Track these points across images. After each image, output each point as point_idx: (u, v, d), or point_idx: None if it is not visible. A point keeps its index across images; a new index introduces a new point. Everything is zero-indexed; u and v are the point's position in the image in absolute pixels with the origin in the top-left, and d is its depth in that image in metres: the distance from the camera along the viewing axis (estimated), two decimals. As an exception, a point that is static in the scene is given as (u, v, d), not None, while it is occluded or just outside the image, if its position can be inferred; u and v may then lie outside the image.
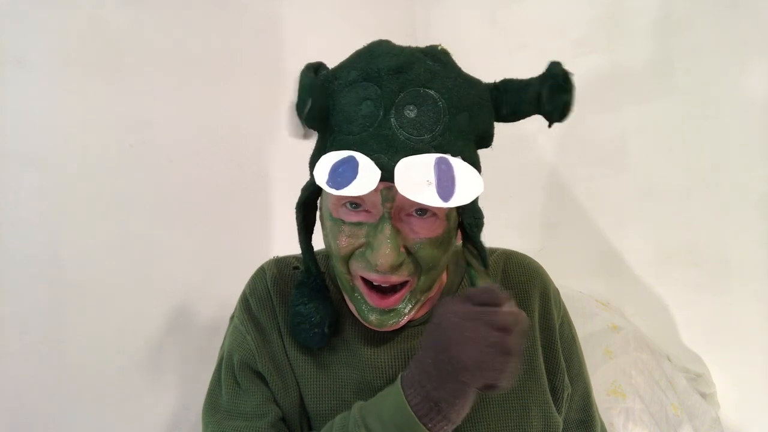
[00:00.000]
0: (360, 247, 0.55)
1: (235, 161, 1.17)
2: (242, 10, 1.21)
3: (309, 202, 0.60)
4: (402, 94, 0.51)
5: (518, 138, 1.48)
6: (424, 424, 0.48)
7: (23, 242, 0.84)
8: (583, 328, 1.19)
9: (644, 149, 1.31)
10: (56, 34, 0.89)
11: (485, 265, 0.58)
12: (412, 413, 0.49)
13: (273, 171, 1.24)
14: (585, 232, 1.41)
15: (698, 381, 1.21)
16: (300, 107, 0.53)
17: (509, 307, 0.50)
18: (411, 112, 0.51)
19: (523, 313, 0.51)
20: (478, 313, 0.49)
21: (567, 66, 0.55)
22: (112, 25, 0.96)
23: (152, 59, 1.02)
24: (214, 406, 0.64)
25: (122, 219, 0.96)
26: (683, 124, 1.25)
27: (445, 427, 0.49)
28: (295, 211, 0.60)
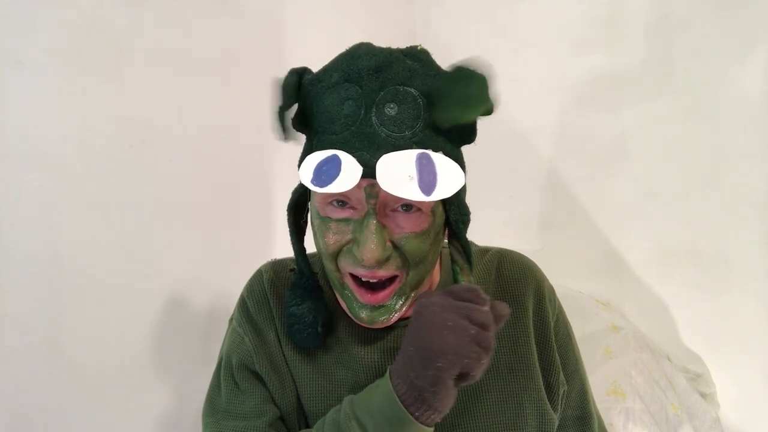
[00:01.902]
0: (347, 243, 0.55)
1: (235, 161, 1.17)
2: (242, 10, 1.21)
3: (300, 203, 0.62)
4: (382, 93, 0.52)
5: (518, 138, 1.48)
6: (411, 413, 0.49)
7: (23, 242, 0.84)
8: (583, 328, 1.19)
9: (644, 149, 1.31)
10: (56, 34, 0.89)
11: (470, 262, 0.59)
12: (400, 403, 0.49)
13: (273, 171, 1.24)
14: (585, 232, 1.41)
15: (698, 381, 1.21)
16: (280, 111, 0.56)
17: (488, 309, 0.51)
18: (391, 110, 0.52)
19: (506, 313, 0.52)
20: (459, 307, 0.50)
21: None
22: (112, 24, 0.96)
23: (152, 59, 1.02)
24: (213, 406, 0.65)
25: (122, 219, 0.96)
26: (683, 124, 1.25)
27: (432, 416, 0.50)
28: (286, 213, 0.61)
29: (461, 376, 0.50)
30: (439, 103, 0.53)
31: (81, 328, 0.89)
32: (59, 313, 0.87)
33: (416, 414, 0.49)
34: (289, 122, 0.57)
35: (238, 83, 1.18)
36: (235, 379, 0.64)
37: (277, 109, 0.56)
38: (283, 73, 0.58)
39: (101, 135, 0.94)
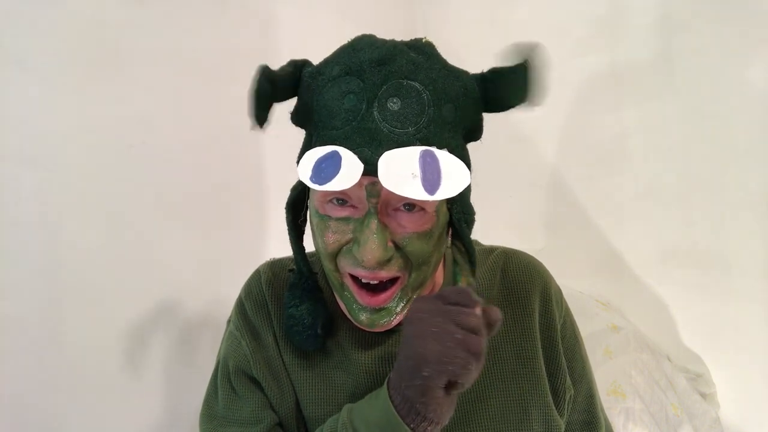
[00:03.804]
0: (347, 243, 0.53)
1: (234, 161, 1.17)
2: (242, 10, 1.21)
3: (299, 201, 0.60)
4: (385, 87, 0.50)
5: (518, 138, 1.48)
6: (408, 425, 0.47)
7: (23, 242, 0.84)
8: (583, 328, 1.18)
9: (644, 149, 1.31)
10: (56, 34, 0.89)
11: (472, 263, 0.57)
12: (396, 414, 0.48)
13: (272, 171, 1.24)
14: (585, 232, 1.41)
15: (698, 381, 1.21)
16: (261, 95, 0.53)
17: (479, 312, 0.49)
18: (394, 105, 0.49)
19: (498, 319, 0.50)
20: (446, 312, 0.48)
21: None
22: (112, 25, 0.96)
23: (152, 59, 1.02)
24: (210, 412, 0.63)
25: (122, 219, 0.96)
26: (683, 123, 1.25)
27: (428, 428, 0.48)
28: (285, 211, 0.59)
29: (450, 384, 0.47)
30: (500, 79, 0.53)
31: (81, 328, 0.89)
32: (59, 313, 0.87)
33: (412, 425, 0.47)
34: (267, 109, 0.55)
35: (237, 84, 1.17)
36: (232, 384, 0.63)
37: (258, 92, 0.53)
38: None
39: (101, 135, 0.94)
